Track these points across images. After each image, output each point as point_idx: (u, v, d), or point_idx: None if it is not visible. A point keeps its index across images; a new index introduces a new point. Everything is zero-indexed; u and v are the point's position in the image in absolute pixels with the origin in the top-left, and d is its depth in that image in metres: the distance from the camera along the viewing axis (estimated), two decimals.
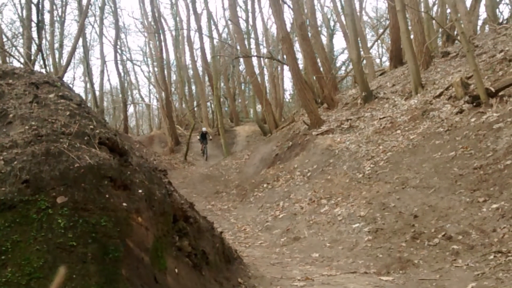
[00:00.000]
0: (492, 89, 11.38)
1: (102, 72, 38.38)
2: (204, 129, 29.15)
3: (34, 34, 21.50)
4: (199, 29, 35.80)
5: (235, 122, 37.01)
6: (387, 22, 29.36)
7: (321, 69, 23.73)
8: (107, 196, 3.74)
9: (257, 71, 30.90)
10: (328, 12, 41.68)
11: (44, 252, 3.34)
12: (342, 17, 28.60)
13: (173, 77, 45.63)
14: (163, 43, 34.70)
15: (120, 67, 41.60)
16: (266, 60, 34.54)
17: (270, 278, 6.65)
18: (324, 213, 10.79)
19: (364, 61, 26.62)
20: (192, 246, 4.94)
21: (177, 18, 43.79)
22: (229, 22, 34.41)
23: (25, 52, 20.72)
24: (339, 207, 10.62)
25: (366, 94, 18.66)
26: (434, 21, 24.60)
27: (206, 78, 39.74)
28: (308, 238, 9.79)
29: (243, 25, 35.04)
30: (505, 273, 5.65)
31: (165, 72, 34.50)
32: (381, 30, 38.24)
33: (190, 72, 43.55)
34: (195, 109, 42.78)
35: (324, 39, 37.51)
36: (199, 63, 41.49)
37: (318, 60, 24.16)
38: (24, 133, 3.87)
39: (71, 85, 5.51)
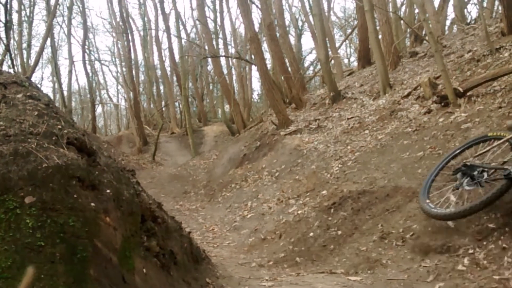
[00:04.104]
0: (460, 89, 11.48)
1: (70, 72, 38.12)
2: None
3: (2, 34, 21.28)
4: (167, 29, 35.73)
5: (203, 122, 36.92)
6: (355, 22, 29.57)
7: (289, 69, 23.77)
8: (75, 196, 3.73)
9: (225, 71, 30.97)
10: (296, 12, 41.86)
11: (12, 252, 3.33)
12: (310, 17, 28.64)
13: (141, 77, 45.41)
14: (131, 43, 34.53)
15: (88, 67, 41.37)
16: (234, 60, 34.50)
17: (238, 278, 6.67)
18: (292, 213, 10.82)
19: (332, 61, 26.73)
20: (160, 246, 4.95)
21: (145, 18, 43.66)
22: (197, 22, 34.33)
23: None
24: (307, 207, 10.66)
25: (334, 94, 18.75)
26: (402, 21, 24.81)
27: (174, 78, 39.62)
28: (276, 238, 9.82)
29: (211, 25, 35.06)
30: (473, 272, 5.72)
31: (133, 72, 34.23)
32: (349, 30, 38.53)
33: (158, 72, 43.46)
34: (163, 109, 42.66)
35: (292, 39, 37.66)
36: (167, 63, 41.43)
37: (286, 60, 24.18)
38: None
39: (39, 85, 5.47)
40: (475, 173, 6.65)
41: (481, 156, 7.18)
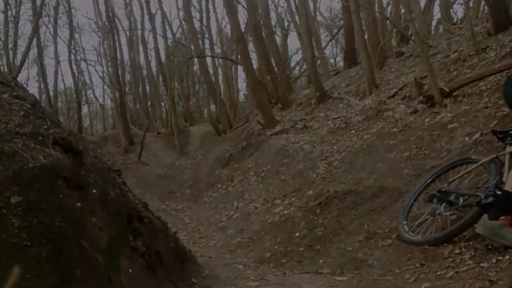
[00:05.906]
0: (446, 89, 11.50)
1: (56, 72, 37.82)
2: None
3: None
4: (153, 29, 35.61)
5: (189, 122, 36.71)
6: (341, 22, 29.55)
7: (275, 69, 23.69)
8: (61, 196, 3.72)
9: (211, 71, 30.85)
10: (282, 12, 41.81)
11: None
12: (296, 17, 28.71)
13: (127, 77, 45.10)
14: (117, 43, 34.28)
15: (74, 67, 41.01)
16: (220, 60, 34.42)
17: (224, 278, 6.66)
18: (278, 213, 10.82)
19: (318, 61, 26.67)
20: (146, 246, 4.94)
21: (131, 18, 43.42)
22: (183, 22, 34.27)
23: None
24: (293, 207, 10.66)
25: (320, 94, 18.74)
26: (388, 21, 24.82)
27: (160, 78, 39.43)
28: (262, 238, 9.83)
29: (197, 25, 34.89)
30: (459, 273, 5.73)
31: (119, 72, 34.00)
32: (335, 30, 38.52)
33: (145, 72, 43.26)
34: (149, 109, 42.52)
35: (278, 39, 37.56)
36: (153, 63, 41.18)
37: (273, 60, 24.11)
38: None
39: (25, 85, 5.48)
40: (452, 198, 6.73)
41: (461, 179, 7.23)
